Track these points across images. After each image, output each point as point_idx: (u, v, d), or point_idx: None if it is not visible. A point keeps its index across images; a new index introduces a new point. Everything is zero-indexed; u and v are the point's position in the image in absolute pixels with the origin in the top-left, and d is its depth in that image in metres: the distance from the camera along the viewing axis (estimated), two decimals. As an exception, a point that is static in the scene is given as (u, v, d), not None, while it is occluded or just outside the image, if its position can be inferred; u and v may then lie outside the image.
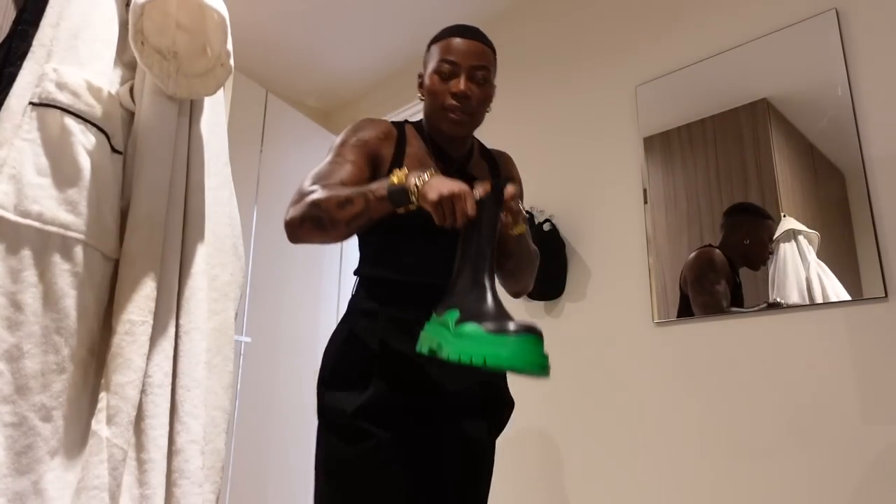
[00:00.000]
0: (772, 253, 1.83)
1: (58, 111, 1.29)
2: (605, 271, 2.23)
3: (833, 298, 1.70)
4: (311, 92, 3.59)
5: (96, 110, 1.34)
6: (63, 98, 1.30)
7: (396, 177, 1.07)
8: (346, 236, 1.15)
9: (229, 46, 1.42)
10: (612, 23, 2.42)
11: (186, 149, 1.51)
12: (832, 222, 1.74)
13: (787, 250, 1.81)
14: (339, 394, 1.18)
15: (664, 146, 2.14)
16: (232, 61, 1.44)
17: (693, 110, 2.09)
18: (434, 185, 1.02)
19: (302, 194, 1.18)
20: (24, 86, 1.29)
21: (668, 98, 2.16)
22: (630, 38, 2.35)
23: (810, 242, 1.77)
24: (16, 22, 1.35)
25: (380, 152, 1.27)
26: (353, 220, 1.10)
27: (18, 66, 1.30)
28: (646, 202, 2.15)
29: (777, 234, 1.83)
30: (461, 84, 1.24)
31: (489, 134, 2.79)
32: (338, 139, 1.30)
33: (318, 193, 1.14)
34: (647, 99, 2.22)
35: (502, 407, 1.30)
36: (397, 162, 1.26)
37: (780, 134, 1.88)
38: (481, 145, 1.44)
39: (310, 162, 3.33)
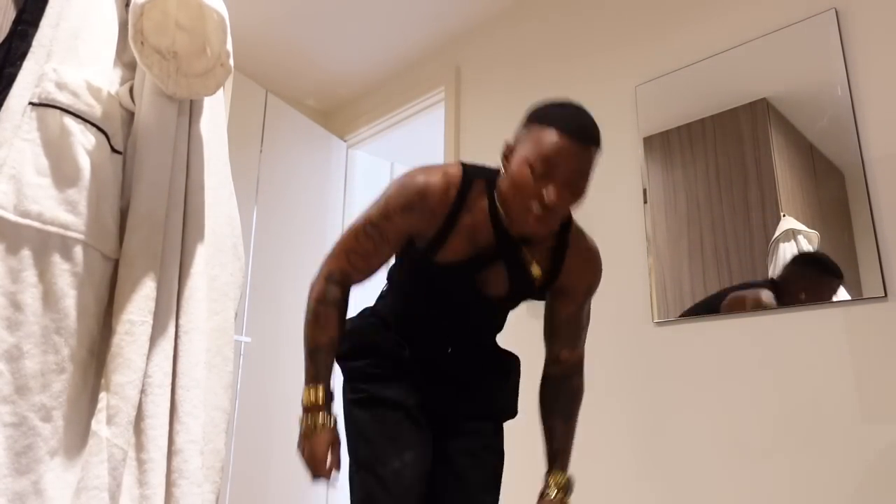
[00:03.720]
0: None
1: (57, 111, 1.29)
2: (605, 271, 2.22)
3: (833, 298, 1.69)
4: (311, 92, 3.59)
5: (96, 110, 1.34)
6: (63, 98, 1.30)
7: (306, 398, 1.20)
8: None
9: (229, 46, 1.42)
10: (612, 22, 2.42)
11: (186, 149, 1.51)
12: (832, 222, 1.74)
13: (786, 250, 1.81)
14: (362, 359, 1.32)
15: (664, 146, 2.14)
16: (232, 61, 1.44)
17: (693, 110, 2.09)
18: (307, 443, 1.19)
19: (334, 261, 1.26)
20: (24, 86, 1.29)
21: (668, 98, 2.16)
22: (630, 38, 2.34)
23: (810, 242, 1.77)
24: (15, 22, 1.35)
25: (419, 233, 1.23)
26: (304, 337, 1.25)
27: (18, 67, 1.30)
28: (645, 202, 2.15)
29: (777, 233, 1.83)
30: (553, 194, 1.08)
31: (489, 133, 2.79)
32: (389, 195, 1.21)
33: (322, 319, 1.24)
34: (647, 99, 2.22)
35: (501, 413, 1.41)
36: (441, 239, 1.21)
37: (780, 134, 1.88)
38: (564, 226, 1.27)
39: (310, 162, 3.35)
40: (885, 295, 1.61)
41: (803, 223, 1.79)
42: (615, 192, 2.25)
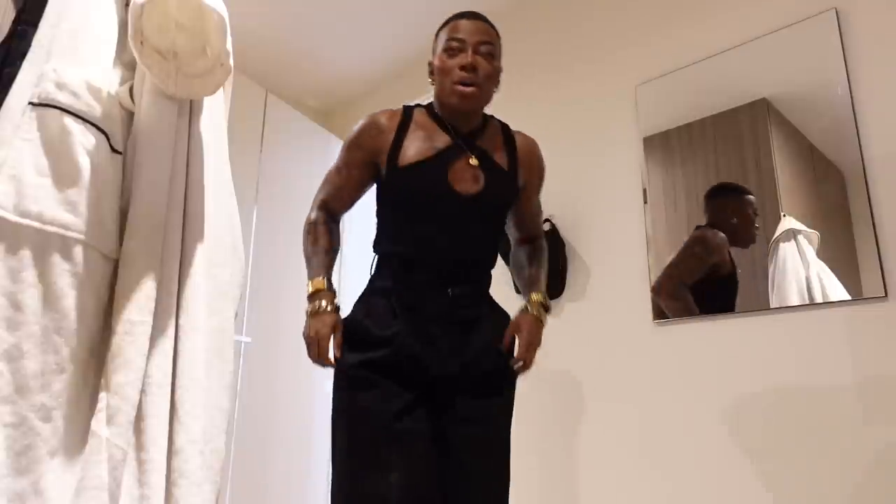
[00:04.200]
0: (758, 227, 1.85)
1: (57, 111, 1.29)
2: (605, 271, 2.23)
3: (833, 298, 1.70)
4: (311, 92, 3.59)
5: (96, 110, 1.34)
6: (62, 98, 1.29)
7: (308, 288, 1.35)
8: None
9: (229, 46, 1.42)
10: (613, 22, 2.42)
11: (186, 149, 1.51)
12: (832, 222, 1.74)
13: (786, 250, 1.81)
14: (351, 353, 1.32)
15: (664, 146, 2.14)
16: (232, 61, 1.44)
17: (693, 110, 2.09)
18: (312, 322, 1.30)
19: (317, 196, 1.50)
20: (24, 86, 1.29)
21: (668, 98, 2.16)
22: (630, 38, 2.35)
23: (810, 242, 1.77)
24: (15, 22, 1.35)
25: (376, 154, 1.41)
26: (304, 254, 1.44)
27: (18, 67, 1.30)
28: (645, 202, 2.15)
29: (777, 233, 1.83)
30: (468, 57, 1.35)
31: (489, 134, 2.79)
32: (349, 135, 1.46)
33: (313, 234, 1.45)
34: (648, 99, 2.22)
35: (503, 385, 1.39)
36: (395, 149, 1.38)
37: (780, 134, 1.88)
38: (504, 127, 1.52)
39: (310, 162, 3.35)
40: (886, 295, 1.61)
41: (803, 223, 1.79)
42: (615, 191, 2.25)
